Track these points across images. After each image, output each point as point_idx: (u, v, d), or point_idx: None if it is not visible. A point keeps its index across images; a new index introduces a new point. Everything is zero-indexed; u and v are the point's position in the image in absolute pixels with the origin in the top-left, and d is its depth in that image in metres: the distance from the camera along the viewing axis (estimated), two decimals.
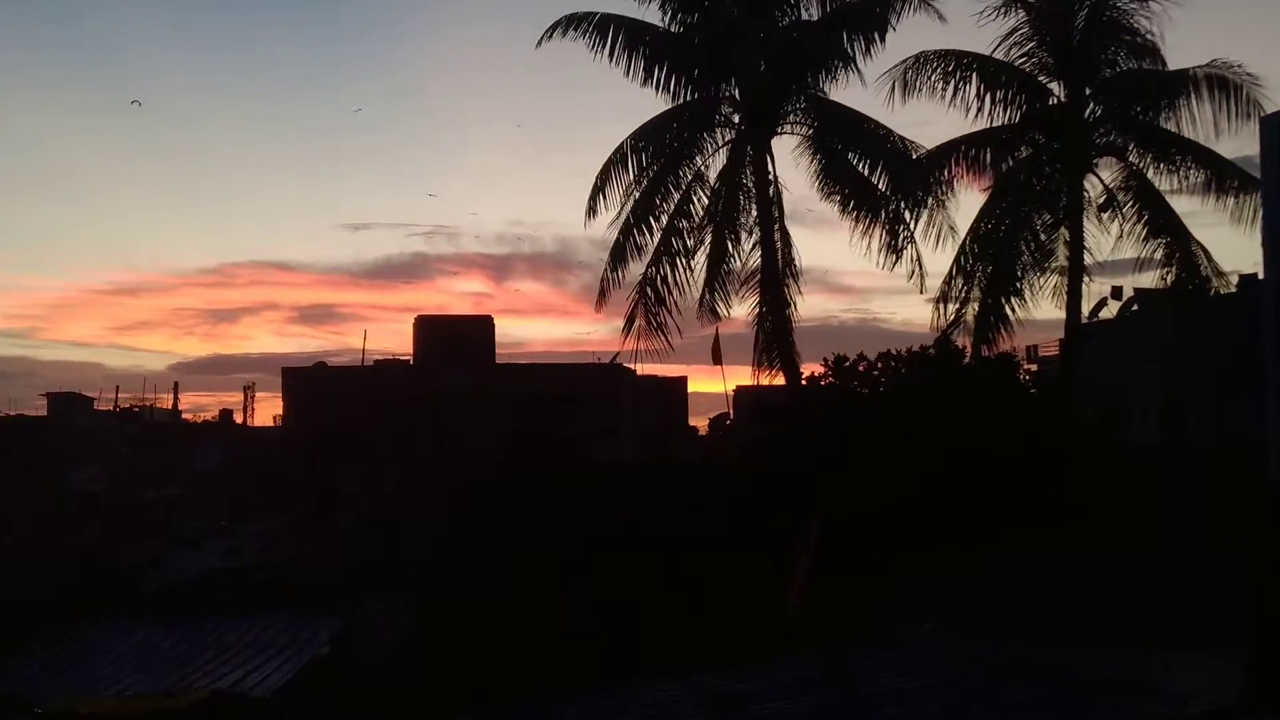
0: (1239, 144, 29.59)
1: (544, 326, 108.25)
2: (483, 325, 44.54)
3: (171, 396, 65.01)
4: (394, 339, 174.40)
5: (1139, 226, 23.31)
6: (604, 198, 22.26)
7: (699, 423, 54.60)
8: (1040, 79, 23.40)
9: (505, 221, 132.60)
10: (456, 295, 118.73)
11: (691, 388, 54.29)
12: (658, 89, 22.36)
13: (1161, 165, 23.12)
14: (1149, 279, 24.50)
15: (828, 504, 14.91)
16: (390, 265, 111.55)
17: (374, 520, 26.69)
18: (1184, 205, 24.15)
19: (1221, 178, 22.58)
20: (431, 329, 43.61)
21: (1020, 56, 23.23)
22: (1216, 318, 25.28)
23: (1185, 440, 26.93)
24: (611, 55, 22.06)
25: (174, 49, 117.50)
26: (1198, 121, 22.32)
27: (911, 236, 22.09)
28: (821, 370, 20.16)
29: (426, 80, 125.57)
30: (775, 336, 22.54)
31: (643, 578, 13.83)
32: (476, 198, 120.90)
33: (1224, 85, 22.06)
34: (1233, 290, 24.68)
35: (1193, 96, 22.24)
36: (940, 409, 16.89)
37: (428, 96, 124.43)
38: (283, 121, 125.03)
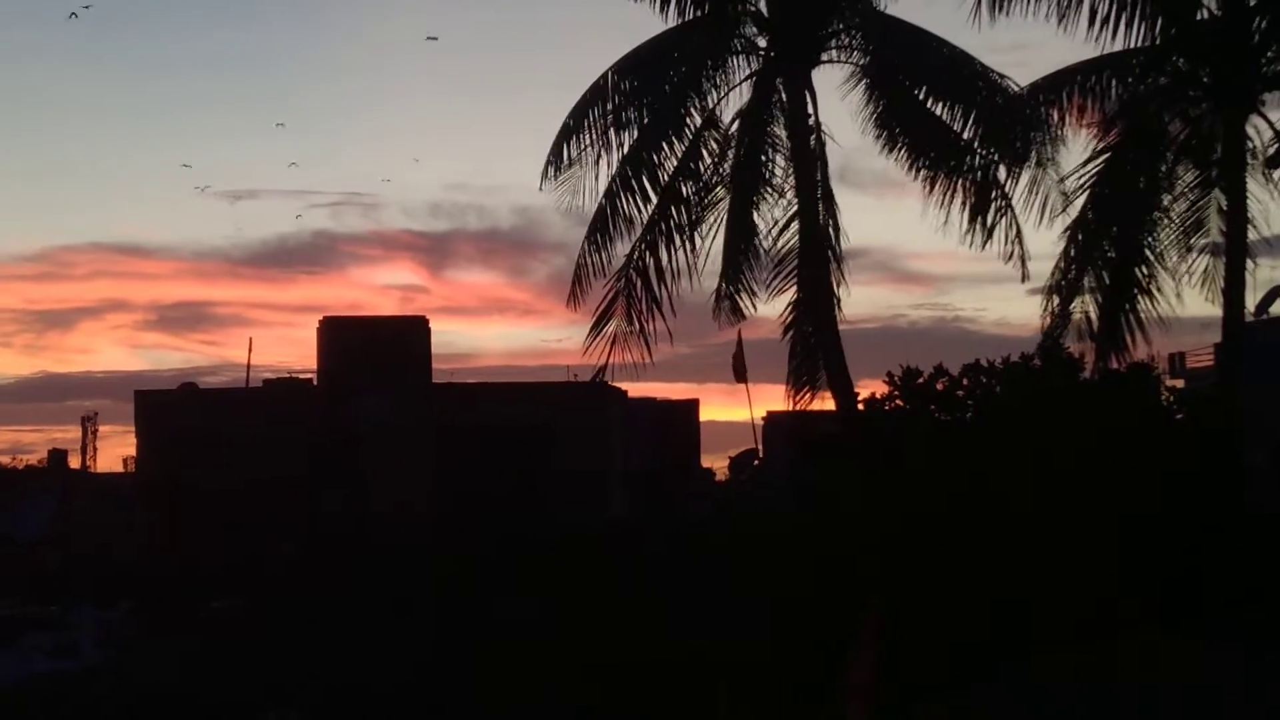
0: None
1: (499, 332, 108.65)
2: (413, 331, 44.45)
3: None
4: (291, 350, 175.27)
5: None
6: (570, 151, 22.19)
7: (716, 463, 54.64)
8: None
9: (443, 185, 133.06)
10: (377, 289, 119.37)
11: (705, 414, 54.34)
12: (653, 2, 22.35)
13: None
14: None
15: (896, 579, 14.85)
16: (284, 248, 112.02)
17: (262, 603, 26.59)
18: None
19: None
20: (342, 336, 43.53)
21: None
22: None
23: None
24: None
25: None
26: None
27: (1008, 203, 22.02)
28: (885, 390, 20.05)
29: None
30: (820, 343, 22.46)
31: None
32: (400, 152, 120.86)
33: None
34: None
35: None
36: (1044, 443, 16.80)
37: (332, 10, 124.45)
38: (128, 53, 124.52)
